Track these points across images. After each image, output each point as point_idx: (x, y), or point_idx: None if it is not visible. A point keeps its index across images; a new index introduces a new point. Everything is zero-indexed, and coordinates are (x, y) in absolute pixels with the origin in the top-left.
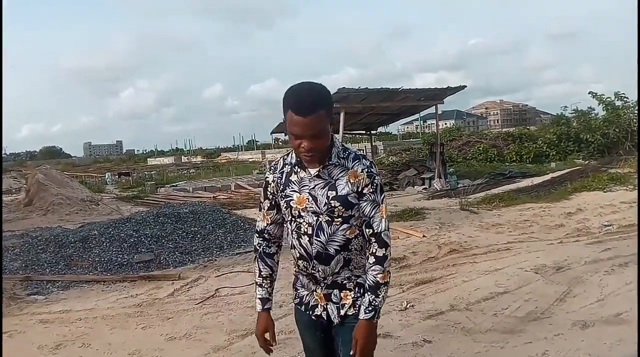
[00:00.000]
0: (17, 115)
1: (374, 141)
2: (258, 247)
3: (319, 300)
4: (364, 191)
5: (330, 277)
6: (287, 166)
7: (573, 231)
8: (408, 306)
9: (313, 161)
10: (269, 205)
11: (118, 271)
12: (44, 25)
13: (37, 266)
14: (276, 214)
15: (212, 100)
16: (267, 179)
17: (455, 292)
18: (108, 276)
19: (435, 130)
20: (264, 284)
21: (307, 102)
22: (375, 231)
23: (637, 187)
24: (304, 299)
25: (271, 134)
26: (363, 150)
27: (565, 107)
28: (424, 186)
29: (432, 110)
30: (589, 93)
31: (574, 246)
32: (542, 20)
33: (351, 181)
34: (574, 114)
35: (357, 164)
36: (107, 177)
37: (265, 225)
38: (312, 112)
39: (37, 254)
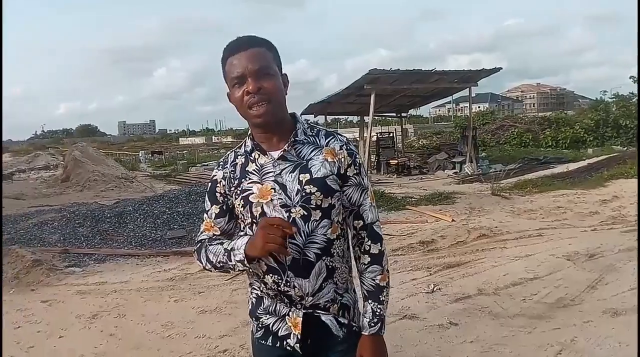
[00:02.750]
0: (55, 93)
1: (405, 124)
2: (198, 245)
3: (292, 327)
4: (348, 173)
5: (311, 297)
6: (240, 157)
7: (608, 219)
8: (435, 289)
9: (267, 114)
10: (217, 211)
11: (152, 246)
12: (80, 7)
13: (74, 239)
14: (227, 223)
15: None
16: (214, 178)
17: (484, 277)
18: (142, 250)
19: (468, 114)
20: (224, 243)
21: (243, 39)
22: (367, 222)
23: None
24: (271, 328)
25: (301, 115)
26: (393, 133)
27: (605, 91)
28: (454, 170)
29: (465, 93)
30: (629, 77)
31: (608, 234)
32: (581, 0)
33: (329, 160)
34: (613, 99)
35: (332, 140)
36: (141, 155)
37: (212, 235)
38: (252, 46)
39: (74, 228)
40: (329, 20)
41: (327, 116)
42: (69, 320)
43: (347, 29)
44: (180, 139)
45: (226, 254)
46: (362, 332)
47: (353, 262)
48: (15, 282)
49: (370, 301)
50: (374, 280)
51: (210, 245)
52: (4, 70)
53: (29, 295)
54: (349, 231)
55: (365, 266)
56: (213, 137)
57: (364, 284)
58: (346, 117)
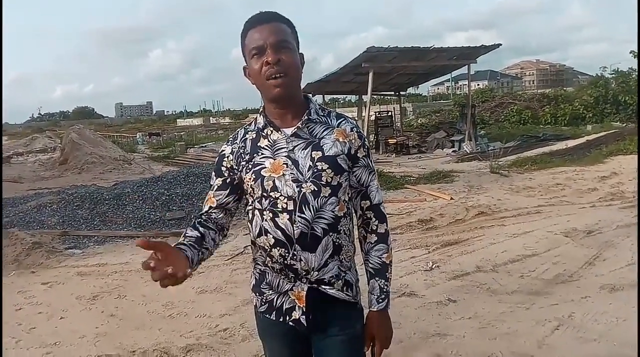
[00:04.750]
0: (51, 76)
1: (403, 102)
2: (192, 220)
3: (296, 300)
4: (358, 155)
5: (316, 272)
6: (251, 133)
7: (606, 195)
8: (433, 266)
9: (285, 86)
10: (220, 183)
11: (151, 227)
12: None
13: (73, 221)
14: (226, 197)
15: (239, 61)
16: (222, 153)
17: (482, 254)
18: (141, 232)
19: (467, 91)
20: (184, 240)
21: (265, 13)
22: (374, 203)
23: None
24: (274, 303)
25: None
26: (391, 111)
27: (605, 67)
28: (453, 149)
29: (464, 70)
30: (629, 53)
31: (607, 210)
32: None
33: (340, 140)
34: (613, 75)
35: (343, 122)
36: (138, 137)
37: (207, 209)
38: (272, 20)
39: (73, 210)
40: None
41: (325, 96)
42: (69, 301)
43: (344, 6)
44: (177, 120)
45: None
46: (370, 309)
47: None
48: (16, 265)
49: (377, 278)
50: (380, 258)
51: (189, 227)
52: None
53: (30, 277)
54: (354, 211)
55: (372, 245)
56: (211, 118)
57: (370, 262)
58: (344, 96)
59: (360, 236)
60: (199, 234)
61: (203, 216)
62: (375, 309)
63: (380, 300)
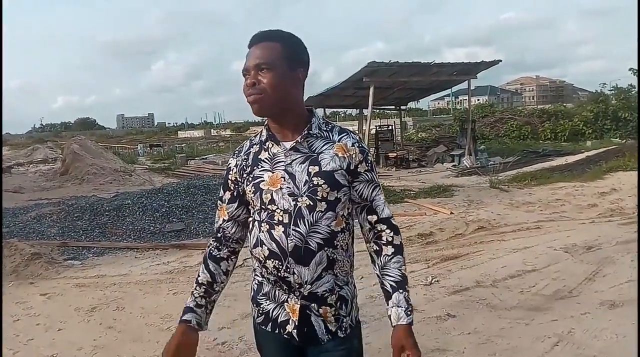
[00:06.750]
0: (53, 86)
1: (404, 117)
2: (206, 248)
3: (290, 314)
4: (359, 170)
5: (309, 286)
6: (255, 146)
7: (606, 211)
8: (433, 281)
9: (258, 106)
10: (229, 197)
11: (150, 239)
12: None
13: (73, 232)
14: (237, 209)
15: (241, 74)
16: (228, 166)
17: (482, 269)
18: (141, 243)
19: (467, 106)
20: (194, 292)
21: (261, 32)
22: (383, 217)
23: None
24: (270, 315)
25: None
26: (392, 125)
27: (604, 84)
28: (453, 163)
29: (464, 85)
30: (628, 70)
31: (606, 226)
32: None
33: (339, 155)
34: (612, 92)
35: (345, 137)
36: (139, 148)
37: (221, 222)
38: (263, 40)
39: (73, 221)
40: (327, 13)
41: (326, 109)
42: (68, 313)
43: (345, 21)
44: (178, 132)
45: (187, 301)
46: (399, 323)
47: (356, 257)
48: (14, 276)
49: (400, 291)
50: (400, 270)
51: (202, 263)
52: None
53: (28, 288)
54: (360, 227)
55: (390, 257)
56: (212, 130)
57: (390, 275)
58: (345, 110)
59: (372, 250)
60: (209, 279)
61: (218, 236)
62: (404, 323)
63: (409, 312)
